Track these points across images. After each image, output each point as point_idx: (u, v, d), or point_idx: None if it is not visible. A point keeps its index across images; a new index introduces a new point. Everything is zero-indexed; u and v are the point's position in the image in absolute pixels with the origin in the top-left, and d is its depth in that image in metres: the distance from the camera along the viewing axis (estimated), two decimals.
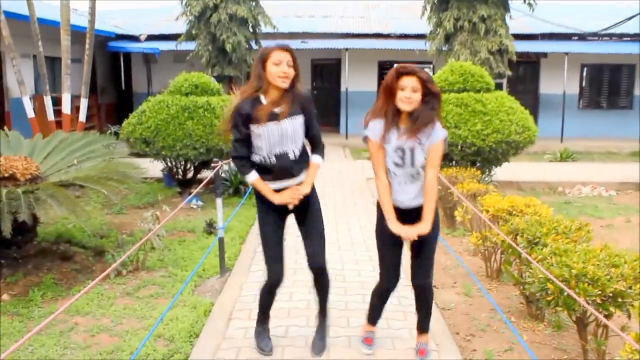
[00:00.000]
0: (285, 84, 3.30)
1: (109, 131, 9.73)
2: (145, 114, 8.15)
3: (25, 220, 4.59)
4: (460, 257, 6.23)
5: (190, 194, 9.11)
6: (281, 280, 3.66)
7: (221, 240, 5.12)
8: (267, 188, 3.45)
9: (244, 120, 3.34)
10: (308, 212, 3.59)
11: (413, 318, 4.40)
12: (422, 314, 3.80)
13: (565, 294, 3.33)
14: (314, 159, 3.57)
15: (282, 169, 3.41)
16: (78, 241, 6.65)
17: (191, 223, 7.54)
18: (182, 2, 14.23)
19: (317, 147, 3.60)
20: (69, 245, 6.49)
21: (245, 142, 3.42)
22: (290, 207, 3.52)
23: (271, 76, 3.28)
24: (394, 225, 3.33)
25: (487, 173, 8.12)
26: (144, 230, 5.81)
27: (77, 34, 14.68)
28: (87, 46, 9.32)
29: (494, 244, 5.17)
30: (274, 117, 3.32)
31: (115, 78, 17.98)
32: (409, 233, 3.30)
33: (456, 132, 7.58)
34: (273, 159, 3.38)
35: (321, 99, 19.10)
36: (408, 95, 3.17)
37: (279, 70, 3.25)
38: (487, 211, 5.32)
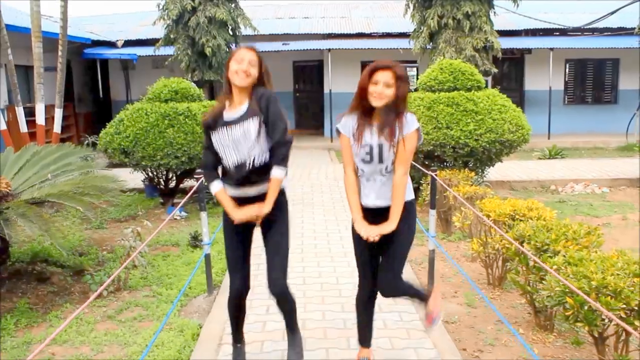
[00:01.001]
0: (242, 82, 3.13)
1: (86, 142, 9.31)
2: (123, 123, 7.78)
3: None
4: (458, 263, 5.97)
5: (173, 204, 8.77)
6: (242, 291, 3.46)
7: (208, 258, 4.79)
8: (229, 203, 3.26)
9: (206, 128, 3.28)
10: (271, 229, 3.34)
11: (418, 334, 4.13)
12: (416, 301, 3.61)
13: (586, 308, 3.06)
14: (274, 172, 3.19)
15: (240, 177, 3.19)
16: (56, 260, 6.27)
17: (175, 236, 7.20)
18: (159, 7, 13.84)
19: (278, 155, 3.19)
20: (46, 265, 6.12)
21: (211, 150, 3.28)
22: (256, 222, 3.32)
23: (230, 74, 3.16)
24: (358, 224, 3.16)
25: (480, 174, 7.87)
26: (124, 246, 5.46)
27: (52, 41, 14.22)
28: (59, 53, 8.92)
29: (496, 250, 4.91)
30: (226, 123, 3.18)
31: (92, 86, 17.53)
32: (369, 232, 3.09)
33: (448, 132, 7.31)
34: (232, 167, 3.19)
35: (304, 101, 18.82)
36: (380, 90, 3.06)
37: (239, 67, 3.12)
38: (488, 216, 5.05)
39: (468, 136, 7.27)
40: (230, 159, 3.17)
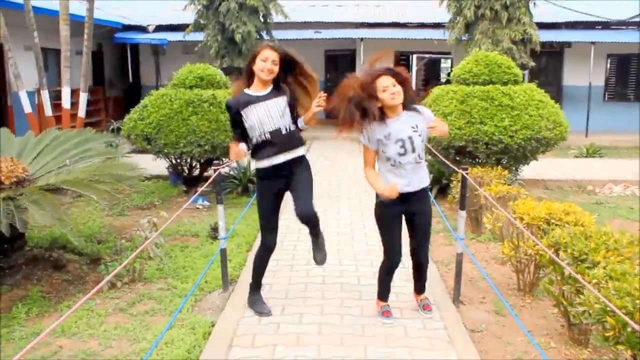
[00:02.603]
0: (266, 77, 3.84)
1: (111, 127, 9.21)
2: (147, 109, 7.63)
3: (2, 230, 4.09)
4: (487, 266, 5.68)
5: (196, 192, 8.61)
6: (273, 247, 4.20)
7: (224, 252, 4.59)
8: (231, 153, 4.00)
9: (234, 111, 3.94)
10: (297, 176, 3.99)
11: (441, 344, 3.87)
12: (420, 280, 4.30)
13: (629, 329, 2.76)
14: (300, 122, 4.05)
15: (278, 142, 3.86)
16: (74, 247, 6.14)
17: (195, 226, 7.03)
18: None
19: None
20: (64, 252, 6.01)
21: (238, 127, 3.98)
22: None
23: (257, 69, 3.82)
24: (384, 188, 3.64)
25: (513, 172, 7.51)
26: (140, 236, 5.30)
27: (83, 25, 14.24)
28: (85, 37, 8.80)
29: (529, 255, 4.60)
30: (258, 99, 3.88)
31: (123, 70, 17.52)
32: (395, 187, 3.60)
33: (481, 128, 6.98)
34: (267, 135, 3.84)
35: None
36: (393, 90, 3.59)
37: (264, 65, 3.80)
38: (521, 219, 4.74)
39: (502, 132, 6.92)
40: (266, 127, 3.84)
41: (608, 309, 2.85)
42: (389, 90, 3.58)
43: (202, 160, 8.12)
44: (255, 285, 4.38)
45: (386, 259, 4.07)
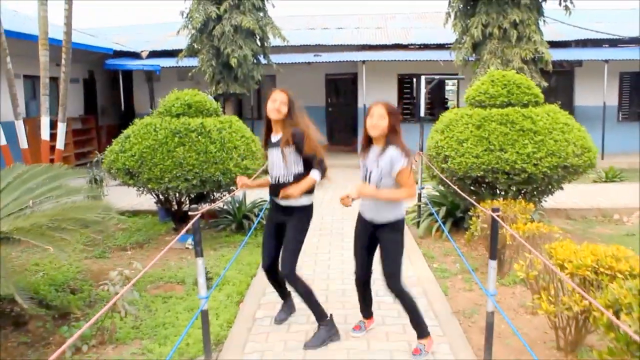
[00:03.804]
0: (275, 116, 4.12)
1: (96, 159, 8.56)
2: (129, 140, 6.90)
3: None
4: (516, 316, 4.89)
5: (187, 230, 7.85)
6: (269, 267, 4.43)
7: (205, 315, 3.80)
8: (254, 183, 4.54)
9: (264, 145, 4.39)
10: (289, 229, 4.26)
11: None
12: (409, 316, 4.12)
13: None
14: (312, 173, 4.16)
15: (276, 189, 4.19)
16: (42, 297, 5.39)
17: (182, 271, 6.24)
18: (182, 14, 13.06)
19: (316, 167, 4.17)
20: (30, 303, 5.22)
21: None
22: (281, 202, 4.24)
23: (268, 111, 4.15)
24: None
25: (537, 204, 6.74)
26: (109, 293, 4.51)
27: (78, 52, 13.66)
28: (63, 62, 8.11)
29: (574, 312, 3.81)
30: (272, 144, 4.24)
31: (117, 98, 16.90)
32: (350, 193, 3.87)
33: (502, 155, 6.21)
34: (273, 180, 4.24)
35: (336, 116, 17.82)
36: (375, 122, 3.75)
37: (272, 106, 4.11)
38: (561, 266, 3.96)
39: (525, 160, 6.15)
40: (271, 172, 4.28)
41: None
42: (372, 119, 3.76)
43: (192, 195, 7.36)
44: (281, 296, 4.77)
45: (355, 271, 4.27)
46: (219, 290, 5.51)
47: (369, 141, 3.93)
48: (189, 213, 3.80)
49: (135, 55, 16.21)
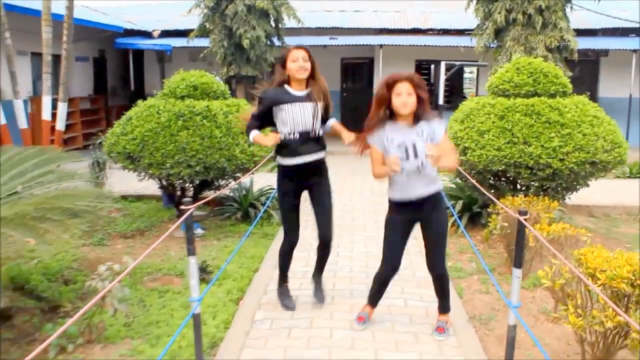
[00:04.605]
0: (303, 75, 4.00)
1: (99, 140, 8.23)
2: (131, 123, 6.56)
3: None
4: (537, 324, 4.53)
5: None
6: (296, 242, 4.39)
7: (197, 319, 3.45)
8: (265, 139, 4.04)
9: (266, 104, 4.08)
10: (318, 191, 4.26)
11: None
12: (441, 297, 4.09)
13: None
14: (331, 121, 4.27)
15: (304, 144, 4.02)
16: (33, 287, 5.10)
17: (182, 262, 5.90)
18: None
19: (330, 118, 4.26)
20: (20, 295, 4.94)
21: (259, 118, 4.17)
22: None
23: (291, 72, 3.99)
24: (388, 163, 3.51)
25: (561, 201, 6.31)
26: (96, 288, 4.18)
27: (84, 29, 13.34)
28: (65, 38, 7.77)
29: (606, 328, 3.42)
30: (296, 99, 4.03)
31: (128, 78, 16.59)
32: (396, 159, 3.49)
33: (525, 149, 5.79)
34: (296, 135, 4.01)
35: (351, 101, 17.33)
36: (404, 99, 3.53)
37: (296, 65, 3.96)
38: (592, 276, 3.56)
39: (551, 155, 5.72)
40: (297, 127, 4.01)
41: None
42: (402, 97, 3.55)
43: (196, 182, 7.03)
44: (281, 279, 4.56)
45: (380, 265, 4.02)
46: (218, 285, 5.17)
47: (384, 117, 3.72)
48: (181, 208, 3.43)
49: (146, 35, 15.85)
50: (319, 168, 4.22)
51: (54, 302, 4.85)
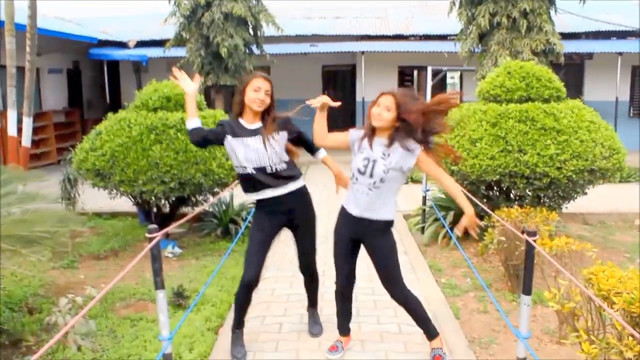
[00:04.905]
0: (258, 108, 3.68)
1: (69, 156, 7.75)
2: (100, 137, 6.15)
3: None
4: (540, 346, 4.21)
5: (168, 236, 7.12)
6: (253, 282, 3.76)
7: (168, 358, 3.05)
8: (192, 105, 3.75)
9: (219, 133, 3.75)
10: (301, 228, 3.92)
11: None
12: (418, 323, 3.82)
13: None
14: (321, 153, 4.06)
15: (262, 180, 3.70)
16: None
17: None
18: (170, 1, 12.24)
19: (314, 146, 3.94)
20: None
21: (211, 133, 3.77)
22: None
23: (248, 100, 3.67)
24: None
25: (557, 211, 6.00)
26: (56, 324, 3.78)
27: (60, 41, 12.91)
28: (27, 49, 7.33)
29: (625, 358, 3.08)
30: (247, 132, 3.71)
31: (104, 89, 16.11)
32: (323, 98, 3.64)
33: (521, 157, 5.47)
34: (252, 171, 3.69)
35: (333, 110, 16.80)
36: (378, 111, 3.44)
37: (256, 96, 3.65)
38: (605, 298, 3.23)
39: (548, 163, 5.41)
40: (250, 164, 3.68)
41: None
42: (378, 109, 3.46)
43: (171, 199, 6.62)
44: (236, 322, 3.99)
45: (336, 281, 3.85)
46: (196, 311, 4.78)
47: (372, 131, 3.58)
48: (147, 235, 3.03)
49: (122, 45, 15.41)
50: (291, 201, 3.82)
51: (15, 336, 4.42)
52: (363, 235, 3.62)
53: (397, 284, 3.69)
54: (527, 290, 2.95)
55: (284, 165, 3.75)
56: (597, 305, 3.36)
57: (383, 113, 3.42)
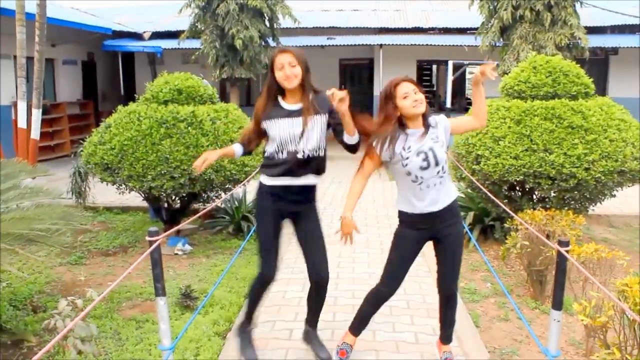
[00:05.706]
0: (292, 84, 3.33)
1: (80, 149, 7.61)
2: (110, 131, 5.98)
3: None
4: (566, 357, 3.94)
5: (178, 232, 6.94)
6: (273, 276, 3.57)
7: None
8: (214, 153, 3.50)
9: (257, 119, 3.47)
10: (306, 222, 3.59)
11: None
12: (446, 324, 3.68)
13: None
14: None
15: (290, 166, 3.39)
16: None
17: (167, 284, 5.27)
18: None
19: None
20: None
21: (254, 131, 3.53)
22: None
23: (279, 81, 3.35)
24: (345, 217, 3.31)
25: (584, 214, 5.72)
26: (56, 328, 3.60)
27: (74, 32, 12.81)
28: (37, 39, 7.17)
29: None
30: (285, 113, 3.39)
31: (118, 81, 16.00)
32: (351, 223, 3.33)
33: (546, 157, 5.20)
34: (284, 155, 3.40)
35: (351, 104, 16.73)
36: (415, 97, 3.23)
37: (282, 74, 3.32)
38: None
39: (575, 163, 5.13)
40: (285, 146, 3.38)
41: None
42: (410, 97, 3.22)
43: (183, 194, 6.44)
44: (246, 320, 3.77)
45: (379, 283, 3.57)
46: (204, 314, 4.60)
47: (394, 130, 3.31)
48: (147, 239, 2.84)
49: (136, 36, 15.28)
50: (306, 196, 3.53)
51: (17, 335, 4.28)
52: (440, 228, 3.37)
53: (458, 274, 3.60)
54: (558, 305, 2.70)
55: (321, 153, 3.44)
56: (631, 319, 3.13)
57: (418, 97, 3.23)
